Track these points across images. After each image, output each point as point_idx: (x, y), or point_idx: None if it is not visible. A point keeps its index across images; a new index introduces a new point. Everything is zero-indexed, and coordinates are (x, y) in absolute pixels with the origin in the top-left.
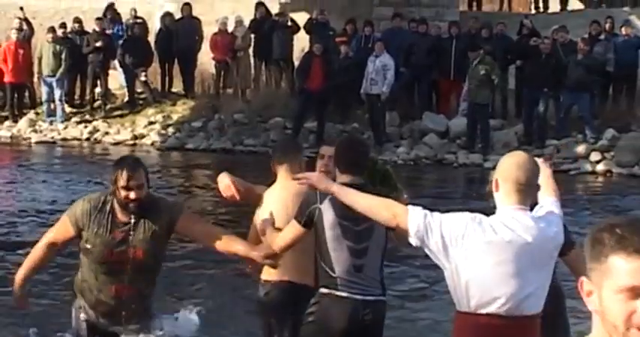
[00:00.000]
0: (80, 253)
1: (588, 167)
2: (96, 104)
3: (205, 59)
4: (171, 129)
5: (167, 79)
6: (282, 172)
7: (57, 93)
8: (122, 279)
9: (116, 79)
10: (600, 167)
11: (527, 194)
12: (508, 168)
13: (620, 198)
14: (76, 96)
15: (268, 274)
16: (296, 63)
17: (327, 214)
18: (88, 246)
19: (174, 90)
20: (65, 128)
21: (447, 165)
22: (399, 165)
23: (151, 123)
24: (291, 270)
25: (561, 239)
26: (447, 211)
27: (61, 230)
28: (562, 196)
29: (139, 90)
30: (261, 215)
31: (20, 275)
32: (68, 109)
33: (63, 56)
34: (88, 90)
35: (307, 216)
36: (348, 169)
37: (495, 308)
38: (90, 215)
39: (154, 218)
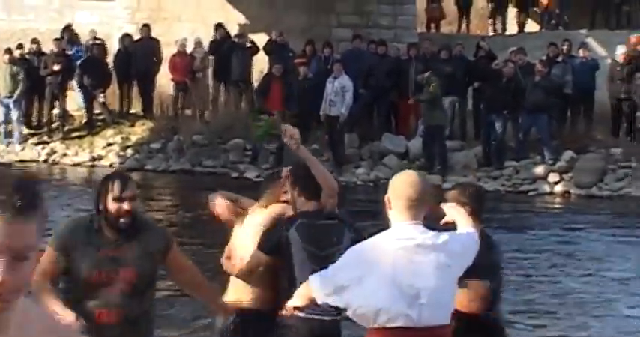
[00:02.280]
0: (63, 277)
1: (547, 188)
2: (54, 125)
3: (164, 80)
4: (130, 151)
5: (126, 100)
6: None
7: (14, 114)
8: (109, 303)
9: (74, 100)
10: (558, 188)
11: (420, 210)
12: (399, 186)
13: (576, 217)
14: (34, 118)
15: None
16: (255, 84)
17: (294, 240)
18: (74, 267)
19: (132, 111)
20: (22, 149)
21: None
22: (358, 186)
23: (109, 144)
24: (256, 299)
25: (468, 258)
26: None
27: (47, 260)
28: (520, 215)
29: (97, 111)
30: (238, 236)
31: (57, 304)
32: (26, 131)
33: (20, 77)
34: (45, 112)
35: (272, 243)
36: (314, 197)
37: (403, 322)
38: (76, 234)
39: (147, 237)
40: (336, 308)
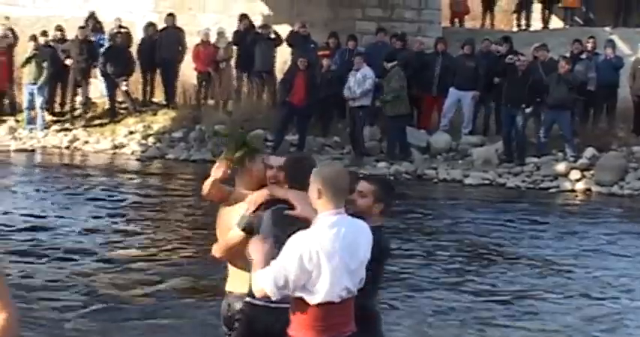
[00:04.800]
0: None
1: (568, 185)
2: (76, 112)
3: (187, 70)
4: (151, 139)
5: (149, 88)
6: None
7: (38, 100)
8: None
9: (97, 87)
10: (580, 185)
11: (344, 198)
12: (328, 176)
13: (597, 215)
14: (57, 105)
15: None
16: (278, 75)
17: (265, 223)
18: None
19: (155, 100)
20: (45, 136)
21: (427, 180)
22: None
23: (131, 132)
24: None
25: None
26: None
27: None
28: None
29: (119, 99)
30: (224, 218)
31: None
32: (48, 117)
33: (44, 64)
34: (68, 99)
35: (247, 223)
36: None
37: (335, 298)
38: None
39: None
40: None
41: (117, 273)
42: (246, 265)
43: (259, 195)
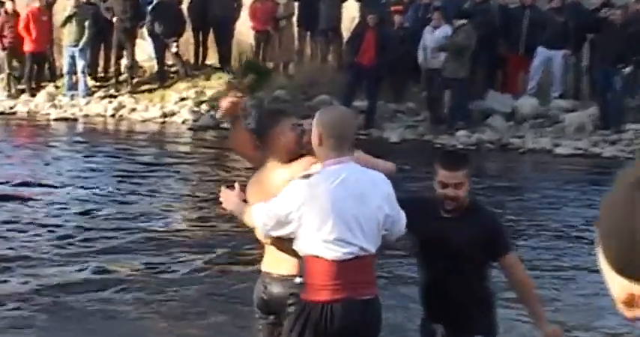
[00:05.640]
0: None
1: None
2: (122, 77)
3: (244, 29)
4: (204, 107)
5: (201, 50)
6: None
7: (79, 64)
8: None
9: (144, 49)
10: None
11: (350, 145)
12: (332, 122)
13: None
14: (100, 69)
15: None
16: (344, 34)
17: None
18: None
19: (208, 62)
20: (87, 103)
21: (512, 150)
22: (458, 150)
23: (182, 99)
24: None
25: (385, 192)
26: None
27: None
28: None
29: (169, 62)
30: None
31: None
32: (91, 83)
33: (86, 24)
34: (112, 62)
35: None
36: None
37: (342, 254)
38: None
39: None
40: None
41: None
42: (290, 246)
43: (307, 164)
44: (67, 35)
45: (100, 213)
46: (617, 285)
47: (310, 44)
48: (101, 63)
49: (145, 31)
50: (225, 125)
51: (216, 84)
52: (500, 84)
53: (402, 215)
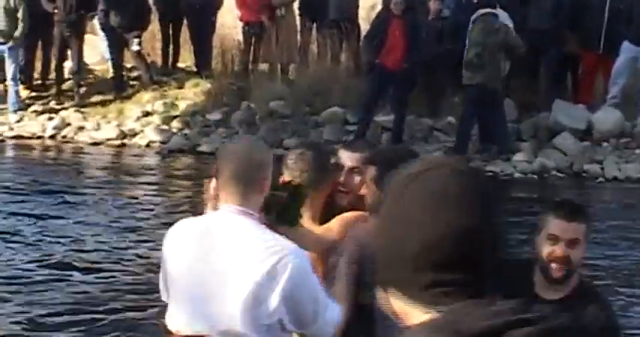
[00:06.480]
0: None
1: None
2: (65, 85)
3: (228, 20)
4: (176, 124)
5: (171, 48)
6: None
7: (9, 68)
8: None
9: (96, 48)
10: None
11: (244, 192)
12: (221, 158)
13: None
14: (37, 74)
15: None
16: (362, 25)
17: None
18: None
19: (181, 65)
20: (19, 120)
21: (588, 179)
22: (515, 179)
23: (147, 114)
24: None
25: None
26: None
27: None
28: None
29: (129, 65)
30: None
31: None
32: (25, 93)
33: (19, 14)
34: (53, 66)
35: None
36: None
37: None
38: None
39: None
40: None
41: None
42: None
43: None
44: None
45: None
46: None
47: (317, 39)
48: (38, 66)
49: (96, 23)
50: (203, 148)
51: (190, 93)
52: (571, 91)
53: None
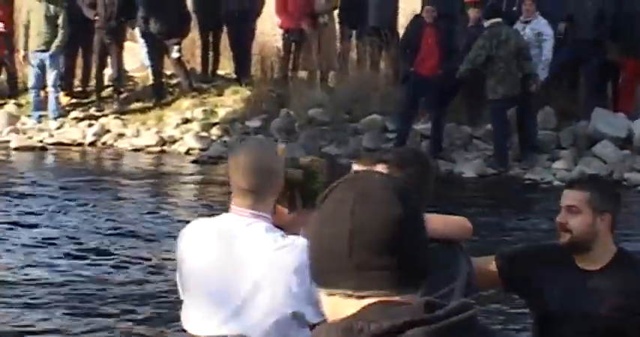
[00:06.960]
0: None
1: None
2: (105, 92)
3: (267, 27)
4: (216, 131)
5: (211, 55)
6: None
7: (50, 75)
8: None
9: (136, 55)
10: None
11: (254, 195)
12: (230, 167)
13: None
14: (77, 81)
15: None
16: (402, 33)
17: None
18: None
19: (220, 72)
20: (60, 127)
21: (628, 188)
22: (555, 187)
23: (186, 121)
24: None
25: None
26: None
27: None
28: None
29: (168, 72)
30: None
31: None
32: (65, 100)
33: (60, 22)
34: (94, 73)
35: None
36: None
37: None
38: None
39: None
40: None
41: None
42: None
43: None
44: (32, 37)
45: None
46: None
47: (357, 47)
48: (78, 74)
49: (137, 31)
50: None
51: (230, 101)
52: (611, 100)
53: None
